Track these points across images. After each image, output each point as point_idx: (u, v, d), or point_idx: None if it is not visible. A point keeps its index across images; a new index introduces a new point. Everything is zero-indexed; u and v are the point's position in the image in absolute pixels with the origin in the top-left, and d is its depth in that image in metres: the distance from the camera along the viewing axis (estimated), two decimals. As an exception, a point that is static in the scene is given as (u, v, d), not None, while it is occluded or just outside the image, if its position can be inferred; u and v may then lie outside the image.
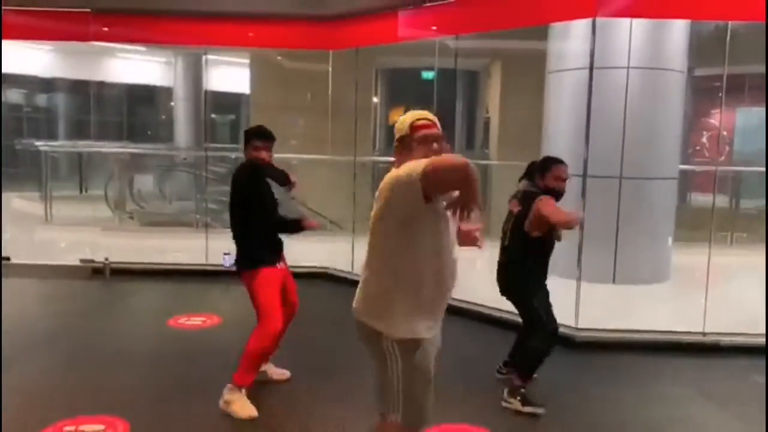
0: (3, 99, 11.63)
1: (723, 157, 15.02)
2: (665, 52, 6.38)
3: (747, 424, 3.70)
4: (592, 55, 5.27)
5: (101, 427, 3.31)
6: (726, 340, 4.87)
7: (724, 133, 15.75)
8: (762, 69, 12.31)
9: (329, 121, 8.68)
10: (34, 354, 4.45)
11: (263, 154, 3.75)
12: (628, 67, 6.20)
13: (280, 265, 3.83)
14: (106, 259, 6.73)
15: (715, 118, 15.42)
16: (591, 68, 5.26)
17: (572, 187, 4.12)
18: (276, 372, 4.05)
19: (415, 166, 2.21)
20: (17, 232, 8.31)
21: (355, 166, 7.26)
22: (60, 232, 8.87)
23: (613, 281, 6.32)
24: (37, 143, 10.64)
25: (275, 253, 3.84)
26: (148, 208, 10.34)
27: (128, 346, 4.71)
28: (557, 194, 3.78)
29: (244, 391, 3.58)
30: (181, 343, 4.82)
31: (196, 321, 5.29)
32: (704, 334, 4.93)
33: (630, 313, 5.61)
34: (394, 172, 2.31)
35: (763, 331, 4.96)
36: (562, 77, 6.57)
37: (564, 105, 6.53)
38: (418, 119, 2.39)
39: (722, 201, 9.97)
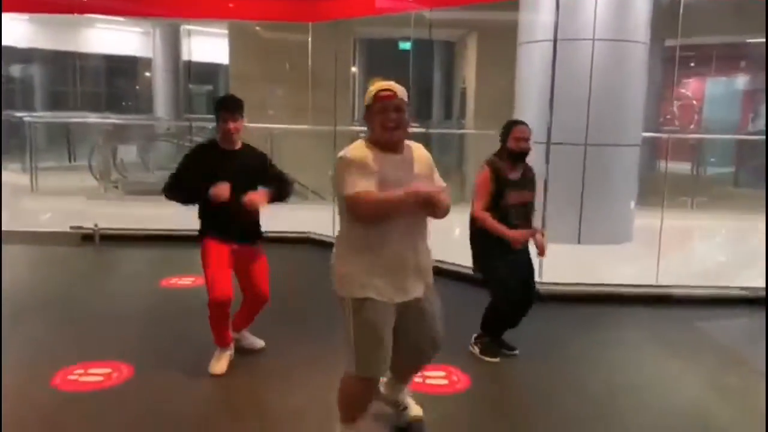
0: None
1: (693, 125, 15.50)
2: (629, 25, 6.68)
3: (692, 364, 4.14)
4: (555, 28, 5.58)
5: (108, 370, 3.64)
6: (677, 291, 5.32)
7: (694, 102, 16.21)
8: (727, 40, 12.75)
9: (309, 92, 8.86)
10: (36, 313, 4.73)
11: (230, 125, 3.61)
12: (593, 39, 6.51)
13: (234, 246, 3.76)
14: (96, 225, 6.96)
15: (685, 87, 15.87)
16: (555, 40, 5.58)
17: (538, 153, 4.41)
18: (248, 340, 4.04)
19: (348, 164, 2.55)
20: (3, 202, 8.44)
21: (335, 135, 7.50)
22: (46, 201, 9.04)
23: (578, 242, 6.72)
24: (19, 114, 10.71)
25: (222, 229, 3.77)
26: (131, 177, 10.52)
27: (126, 304, 5.03)
28: (520, 155, 3.88)
29: (230, 349, 3.80)
30: (175, 300, 5.16)
31: (186, 281, 5.60)
32: (658, 286, 5.38)
33: (593, 270, 6.02)
34: (341, 155, 2.63)
35: (711, 283, 5.45)
36: (532, 49, 6.87)
37: (534, 75, 6.82)
38: (382, 90, 2.60)
39: (687, 168, 10.43)
